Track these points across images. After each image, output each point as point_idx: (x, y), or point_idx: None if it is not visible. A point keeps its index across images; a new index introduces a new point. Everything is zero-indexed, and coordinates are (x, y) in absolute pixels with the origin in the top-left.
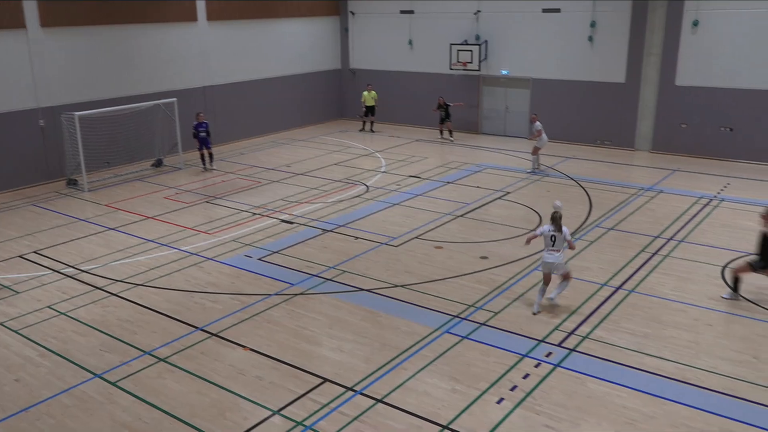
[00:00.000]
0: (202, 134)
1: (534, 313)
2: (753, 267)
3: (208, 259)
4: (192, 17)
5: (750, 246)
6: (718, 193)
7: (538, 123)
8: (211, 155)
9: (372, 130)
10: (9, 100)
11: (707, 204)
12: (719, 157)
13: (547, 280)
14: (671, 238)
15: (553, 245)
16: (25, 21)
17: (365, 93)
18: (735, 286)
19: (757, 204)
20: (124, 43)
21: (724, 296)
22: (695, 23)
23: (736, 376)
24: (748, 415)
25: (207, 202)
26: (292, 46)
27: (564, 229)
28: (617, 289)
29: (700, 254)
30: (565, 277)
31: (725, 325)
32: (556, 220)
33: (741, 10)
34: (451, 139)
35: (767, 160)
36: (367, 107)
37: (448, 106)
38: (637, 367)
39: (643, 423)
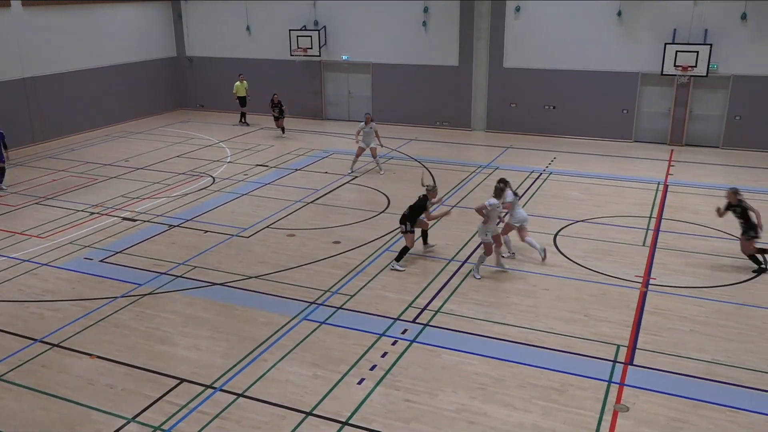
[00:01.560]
0: None
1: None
2: (751, 238)
3: (43, 264)
4: (4, 2)
5: (575, 213)
6: (547, 166)
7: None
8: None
9: (246, 123)
10: None
11: (538, 178)
12: (546, 134)
13: (488, 250)
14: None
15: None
16: None
17: (237, 83)
18: (758, 260)
19: (581, 176)
20: None
21: (754, 272)
22: (518, 9)
23: (571, 334)
24: (582, 367)
25: (37, 203)
26: (122, 34)
27: (508, 192)
28: (463, 263)
29: (535, 224)
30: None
31: (559, 288)
32: (498, 191)
33: None
34: (284, 136)
35: (587, 135)
36: (239, 98)
37: (281, 105)
38: (485, 334)
39: (493, 386)
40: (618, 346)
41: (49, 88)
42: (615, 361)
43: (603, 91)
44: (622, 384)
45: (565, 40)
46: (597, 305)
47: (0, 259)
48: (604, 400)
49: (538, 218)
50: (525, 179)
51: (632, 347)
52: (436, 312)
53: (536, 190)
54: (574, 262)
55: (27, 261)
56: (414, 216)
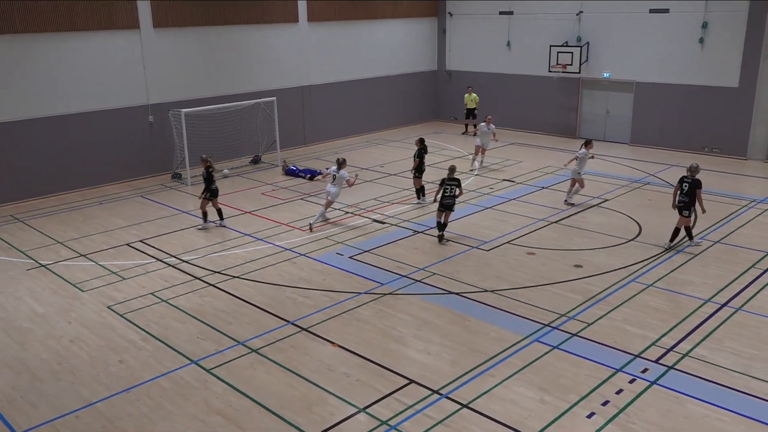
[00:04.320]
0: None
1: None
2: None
3: (301, 255)
4: (294, 18)
5: None
6: None
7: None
8: None
9: (472, 133)
10: (122, 97)
11: None
12: None
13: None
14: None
15: (333, 181)
16: (139, 21)
17: (466, 96)
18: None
19: None
20: (228, 44)
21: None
22: None
23: None
24: None
25: (302, 199)
26: (390, 47)
27: (342, 172)
28: (722, 305)
29: None
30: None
31: None
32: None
33: None
34: (422, 201)
35: None
36: (468, 110)
37: (425, 151)
38: (742, 390)
39: None
40: None
41: (321, 96)
42: None
43: None
44: None
45: None
46: None
47: (267, 246)
48: None
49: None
50: None
51: None
52: (684, 355)
53: None
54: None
55: (288, 250)
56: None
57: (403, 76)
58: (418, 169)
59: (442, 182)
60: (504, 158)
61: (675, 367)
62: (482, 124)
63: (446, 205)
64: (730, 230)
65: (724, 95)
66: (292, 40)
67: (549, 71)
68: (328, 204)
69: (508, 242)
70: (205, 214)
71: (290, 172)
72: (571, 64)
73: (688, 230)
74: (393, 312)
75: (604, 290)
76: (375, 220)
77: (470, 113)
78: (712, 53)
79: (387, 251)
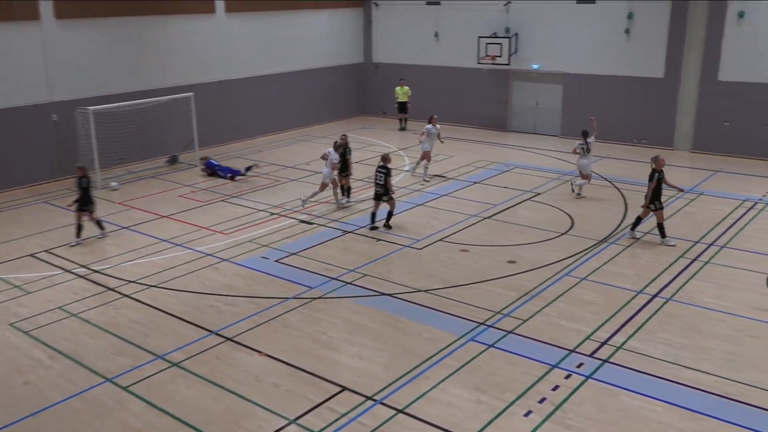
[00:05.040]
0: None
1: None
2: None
3: (224, 260)
4: (210, 9)
5: None
6: (764, 195)
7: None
8: None
9: (404, 128)
10: (22, 94)
11: (751, 207)
12: (765, 158)
13: (323, 188)
14: (712, 243)
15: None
16: (39, 13)
17: (397, 88)
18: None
19: None
20: (141, 36)
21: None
22: (741, 15)
23: None
24: None
25: (223, 201)
26: (314, 39)
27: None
28: (654, 296)
29: (744, 261)
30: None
31: None
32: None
33: None
34: (346, 201)
35: None
36: (399, 103)
37: (348, 152)
38: (674, 380)
39: None
40: None
41: (242, 91)
42: None
43: None
44: None
45: None
46: None
47: (187, 252)
48: None
49: (749, 253)
50: (735, 208)
51: None
52: (618, 348)
53: (748, 222)
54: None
55: (210, 255)
56: None
57: (328, 69)
58: (344, 168)
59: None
60: (434, 153)
61: (609, 360)
62: (428, 126)
63: (376, 194)
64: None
65: (650, 86)
66: (209, 32)
67: (478, 63)
68: (323, 187)
69: (440, 240)
70: (79, 228)
71: (210, 166)
72: (500, 56)
73: (660, 226)
74: (323, 316)
75: (538, 285)
76: (302, 221)
77: (402, 107)
78: (638, 44)
79: (315, 253)
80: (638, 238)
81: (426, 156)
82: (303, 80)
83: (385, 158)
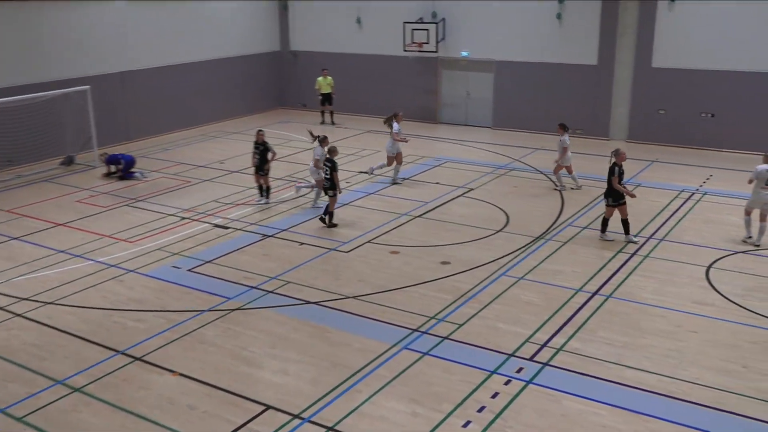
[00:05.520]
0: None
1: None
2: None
3: (130, 271)
4: None
5: (734, 243)
6: (701, 185)
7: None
8: None
9: (332, 122)
10: None
11: (689, 198)
12: (701, 147)
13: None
14: (651, 237)
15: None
16: None
17: (320, 79)
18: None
19: (743, 198)
20: (30, 24)
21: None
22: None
23: (724, 387)
24: (736, 429)
25: (127, 205)
26: (225, 25)
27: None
28: (593, 294)
29: (683, 254)
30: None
31: (711, 331)
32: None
33: None
34: (265, 202)
35: (752, 149)
36: (323, 95)
37: (266, 150)
38: (617, 381)
39: None
40: None
41: (147, 83)
42: None
43: None
44: None
45: (730, 36)
46: (759, 355)
47: (87, 264)
48: None
49: (688, 246)
50: (673, 199)
51: None
52: (559, 350)
53: (686, 213)
54: (730, 301)
55: (114, 266)
56: None
57: (241, 58)
58: (261, 165)
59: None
60: (360, 148)
61: (550, 363)
62: (394, 124)
63: (324, 189)
64: (597, 214)
65: (584, 74)
66: (108, 19)
67: (404, 50)
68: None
69: (368, 242)
70: None
71: (113, 160)
72: (428, 43)
73: (625, 222)
74: (243, 330)
75: (473, 287)
76: (217, 226)
77: (326, 99)
78: (571, 30)
79: (232, 260)
80: (611, 240)
81: (393, 160)
82: (214, 71)
83: (332, 150)
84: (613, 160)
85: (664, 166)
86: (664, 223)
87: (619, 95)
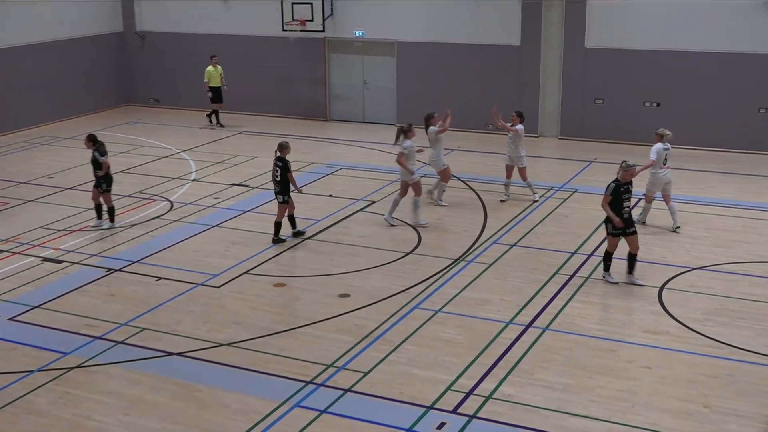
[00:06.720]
0: None
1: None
2: None
3: None
4: None
5: (689, 257)
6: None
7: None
8: None
9: (219, 123)
10: None
11: (635, 205)
12: (646, 143)
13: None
14: (592, 254)
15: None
16: None
17: (209, 69)
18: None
19: (698, 203)
20: None
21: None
22: None
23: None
24: None
25: None
26: (48, 3)
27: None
28: (527, 327)
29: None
30: None
31: (666, 365)
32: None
33: None
34: (109, 226)
35: (706, 144)
36: (212, 89)
37: (96, 160)
38: None
39: None
40: None
41: None
42: None
43: (733, 81)
44: None
45: (679, 10)
46: (721, 390)
47: None
48: None
49: (637, 264)
50: None
51: None
52: (488, 398)
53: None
54: (687, 327)
55: None
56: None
57: (71, 41)
58: (104, 179)
59: None
60: (232, 153)
61: (477, 415)
62: (432, 127)
63: (274, 193)
64: (527, 228)
65: (505, 57)
66: None
67: (283, 30)
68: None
69: (245, 272)
70: None
71: None
72: (312, 20)
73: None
74: (86, 393)
75: (380, 325)
76: (45, 259)
77: (217, 94)
78: (488, 3)
79: (69, 303)
80: (616, 282)
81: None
82: (36, 59)
83: (283, 147)
84: (618, 175)
85: (605, 166)
86: (606, 237)
87: (548, 82)
